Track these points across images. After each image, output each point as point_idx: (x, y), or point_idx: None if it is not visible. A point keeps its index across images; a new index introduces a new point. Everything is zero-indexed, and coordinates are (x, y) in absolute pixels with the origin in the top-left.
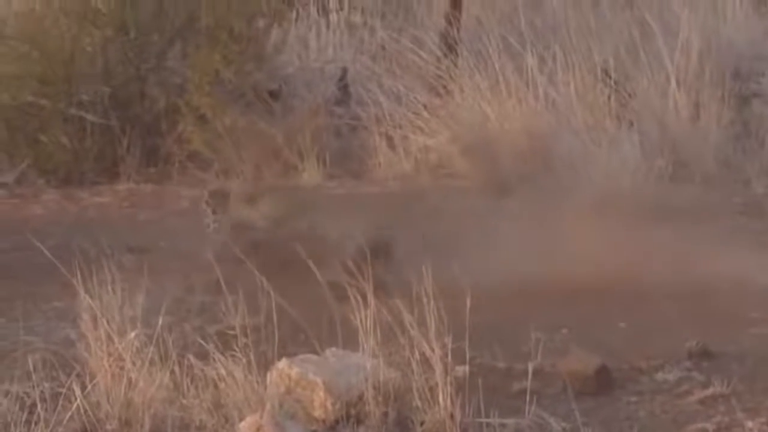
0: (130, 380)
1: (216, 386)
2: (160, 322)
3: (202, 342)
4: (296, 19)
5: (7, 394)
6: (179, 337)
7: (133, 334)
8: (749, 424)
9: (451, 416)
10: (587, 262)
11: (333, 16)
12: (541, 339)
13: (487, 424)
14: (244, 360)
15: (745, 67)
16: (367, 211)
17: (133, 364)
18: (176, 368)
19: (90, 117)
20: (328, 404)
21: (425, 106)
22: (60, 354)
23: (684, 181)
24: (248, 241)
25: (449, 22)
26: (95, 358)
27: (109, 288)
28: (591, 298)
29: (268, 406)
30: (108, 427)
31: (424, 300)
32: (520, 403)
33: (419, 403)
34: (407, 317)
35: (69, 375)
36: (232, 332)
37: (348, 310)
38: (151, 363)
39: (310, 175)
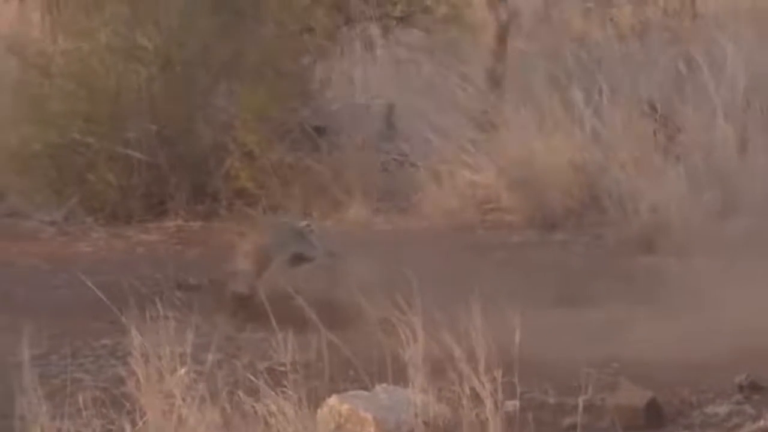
0: (180, 417)
1: (266, 423)
2: (210, 358)
3: (252, 378)
4: (342, 56)
5: (58, 431)
6: (229, 374)
7: (183, 371)
8: None
9: None
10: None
11: (379, 52)
12: (591, 373)
13: None
14: (294, 396)
15: None
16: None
17: (184, 400)
18: (226, 405)
19: (137, 155)
20: None
21: (472, 142)
22: (110, 391)
23: (731, 215)
24: (297, 277)
25: (495, 57)
26: (145, 395)
27: (159, 325)
28: (641, 331)
29: None
30: None
31: (473, 334)
32: None
33: None
34: (457, 352)
35: (119, 412)
36: (282, 368)
37: (398, 345)
38: (202, 400)
39: (357, 211)
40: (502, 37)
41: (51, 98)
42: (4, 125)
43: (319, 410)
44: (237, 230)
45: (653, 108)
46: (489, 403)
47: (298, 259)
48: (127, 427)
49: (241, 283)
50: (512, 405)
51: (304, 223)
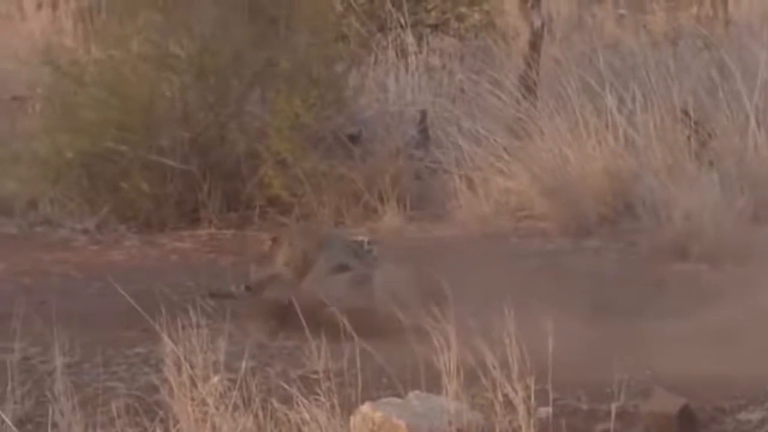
0: (213, 425)
1: (300, 430)
2: (243, 366)
3: (285, 386)
4: (375, 63)
5: None
6: (262, 382)
7: (216, 379)
8: None
9: None
10: (670, 301)
11: (412, 59)
12: (624, 380)
13: None
14: (327, 404)
15: None
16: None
17: (217, 408)
18: (260, 413)
19: (170, 163)
20: None
21: (505, 149)
22: (143, 399)
23: (765, 221)
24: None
25: (528, 64)
26: (178, 403)
27: (192, 333)
28: (675, 338)
29: None
30: None
31: (507, 341)
32: None
33: None
34: (490, 359)
35: (152, 420)
36: (315, 376)
37: (431, 352)
38: (235, 408)
39: (390, 218)
40: (535, 44)
41: (84, 107)
42: (36, 134)
43: (352, 418)
44: (274, 237)
45: (686, 114)
46: (522, 410)
47: (341, 269)
48: None
49: (279, 290)
50: (545, 412)
51: (363, 239)
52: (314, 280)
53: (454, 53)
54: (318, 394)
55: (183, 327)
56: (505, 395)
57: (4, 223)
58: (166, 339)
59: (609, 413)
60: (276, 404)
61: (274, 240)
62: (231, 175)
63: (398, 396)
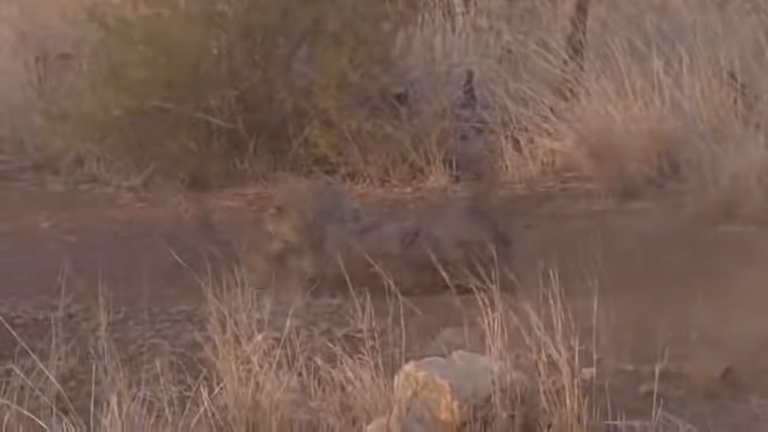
0: (257, 383)
1: (343, 389)
2: (288, 325)
3: (329, 345)
4: (422, 23)
5: (134, 397)
6: (306, 341)
7: (260, 337)
8: None
9: (578, 419)
10: (716, 263)
11: (459, 20)
12: (668, 341)
13: (614, 427)
14: (371, 363)
15: None
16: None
17: (260, 367)
18: (303, 371)
19: (216, 121)
20: (455, 407)
21: (551, 109)
22: (187, 357)
23: None
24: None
25: (575, 26)
26: (222, 361)
27: (237, 291)
28: (720, 299)
29: (395, 409)
30: (235, 430)
31: (551, 302)
32: (647, 406)
33: (546, 406)
34: (534, 319)
35: (196, 378)
36: (359, 335)
37: (476, 312)
38: (279, 366)
39: (436, 178)
40: (582, 6)
41: (131, 65)
42: (83, 92)
43: (395, 377)
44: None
45: (733, 77)
46: (566, 371)
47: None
48: (204, 393)
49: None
50: (589, 372)
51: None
52: (341, 239)
53: (501, 14)
54: (362, 353)
55: (228, 285)
56: (549, 356)
57: (51, 180)
58: (210, 297)
59: (653, 374)
60: (320, 363)
61: (279, 209)
62: (277, 134)
63: (442, 356)
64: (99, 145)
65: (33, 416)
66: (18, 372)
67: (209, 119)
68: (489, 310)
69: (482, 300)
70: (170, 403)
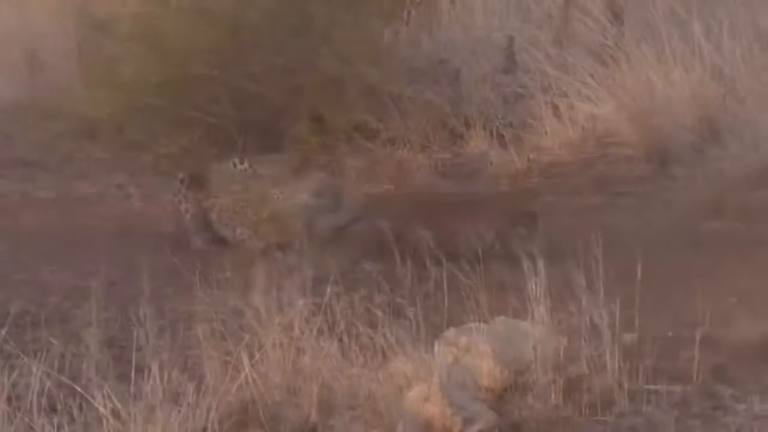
0: (298, 349)
1: (384, 355)
2: (329, 291)
3: (371, 310)
4: None
5: (175, 364)
6: (347, 306)
7: (301, 303)
8: None
9: (619, 384)
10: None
11: None
12: (708, 307)
13: (655, 392)
14: (412, 328)
15: None
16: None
17: (302, 333)
18: (344, 337)
19: (256, 88)
20: (497, 372)
21: (592, 75)
22: (228, 323)
23: None
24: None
25: None
26: (264, 327)
27: (278, 257)
28: (759, 264)
29: (436, 375)
30: (276, 396)
31: (593, 267)
32: (688, 371)
33: (587, 371)
34: (576, 284)
35: (237, 344)
36: (401, 301)
37: (518, 277)
38: (320, 332)
39: (476, 143)
40: None
41: (170, 31)
42: (122, 59)
43: (437, 343)
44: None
45: None
46: (607, 336)
47: None
48: (245, 359)
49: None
50: (630, 338)
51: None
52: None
53: None
54: (403, 319)
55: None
56: (591, 321)
57: (92, 147)
58: (254, 263)
59: (693, 340)
60: (361, 328)
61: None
62: (318, 100)
63: (484, 321)
64: (138, 112)
65: (73, 383)
66: (59, 338)
67: (250, 86)
68: (531, 275)
69: (525, 265)
70: (211, 369)
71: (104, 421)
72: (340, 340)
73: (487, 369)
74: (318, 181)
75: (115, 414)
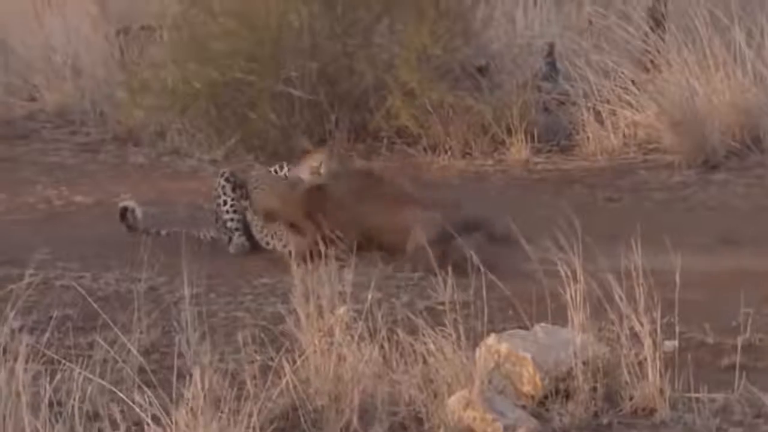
0: (339, 356)
1: (425, 361)
2: (370, 297)
3: (411, 317)
4: None
5: (217, 369)
6: (388, 313)
7: (342, 310)
8: None
9: (660, 391)
10: None
11: None
12: (750, 313)
13: (696, 399)
14: (453, 335)
15: None
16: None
17: (343, 339)
18: (385, 344)
19: (298, 93)
20: (537, 379)
21: (633, 81)
22: (269, 329)
23: None
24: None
25: None
26: (305, 333)
27: (319, 263)
28: None
29: (477, 382)
30: (317, 402)
31: (634, 274)
32: (730, 378)
33: (628, 378)
34: (617, 292)
35: (278, 350)
36: (441, 308)
37: (557, 285)
38: (361, 338)
39: (518, 150)
40: None
41: (213, 37)
42: (165, 64)
43: (477, 349)
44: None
45: None
46: (648, 343)
47: None
48: (286, 365)
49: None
50: (671, 345)
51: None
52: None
53: None
54: (444, 326)
55: (311, 257)
56: (632, 328)
57: (133, 152)
58: (293, 269)
59: (735, 347)
60: (401, 335)
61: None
62: (359, 106)
63: (524, 328)
64: (180, 117)
65: (115, 389)
66: (101, 344)
67: (290, 91)
68: (571, 282)
69: (564, 272)
70: (252, 375)
71: (146, 427)
72: (381, 346)
73: (527, 376)
74: None
75: (156, 420)
